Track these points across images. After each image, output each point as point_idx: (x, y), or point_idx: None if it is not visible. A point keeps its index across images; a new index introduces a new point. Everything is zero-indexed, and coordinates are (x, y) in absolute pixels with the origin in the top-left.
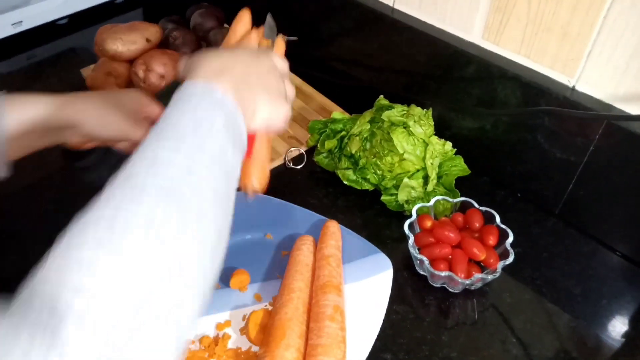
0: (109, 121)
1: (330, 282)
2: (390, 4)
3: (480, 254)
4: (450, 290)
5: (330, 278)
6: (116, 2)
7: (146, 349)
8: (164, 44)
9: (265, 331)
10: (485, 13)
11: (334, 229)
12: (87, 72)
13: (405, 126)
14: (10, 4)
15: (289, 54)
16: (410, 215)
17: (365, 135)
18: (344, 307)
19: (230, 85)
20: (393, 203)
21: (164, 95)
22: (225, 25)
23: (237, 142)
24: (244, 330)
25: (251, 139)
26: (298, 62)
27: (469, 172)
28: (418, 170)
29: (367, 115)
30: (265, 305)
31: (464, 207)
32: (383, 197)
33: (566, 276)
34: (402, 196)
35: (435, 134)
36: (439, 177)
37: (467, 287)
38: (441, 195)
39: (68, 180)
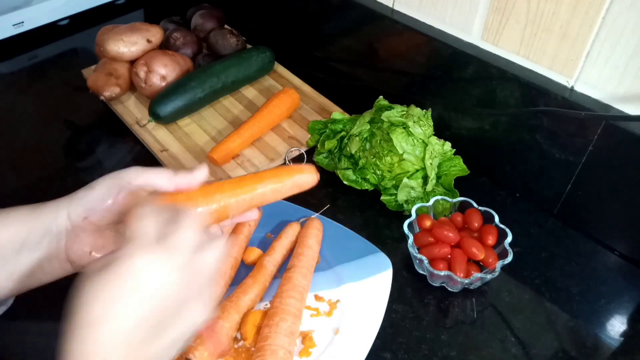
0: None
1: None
2: (390, 5)
3: (479, 254)
4: (449, 289)
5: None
6: (117, 3)
7: None
8: (165, 45)
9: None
10: (485, 14)
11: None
12: (88, 72)
13: (405, 126)
14: (12, 4)
15: (289, 55)
16: (410, 215)
17: (365, 136)
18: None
19: None
20: (393, 203)
21: None
22: (226, 26)
23: None
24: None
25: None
26: (298, 62)
27: (468, 172)
28: (417, 171)
29: (367, 115)
30: (266, 304)
31: (463, 207)
32: (383, 197)
33: (565, 276)
34: (401, 196)
35: (434, 134)
36: (438, 177)
37: (466, 286)
38: (440, 195)
39: (68, 180)
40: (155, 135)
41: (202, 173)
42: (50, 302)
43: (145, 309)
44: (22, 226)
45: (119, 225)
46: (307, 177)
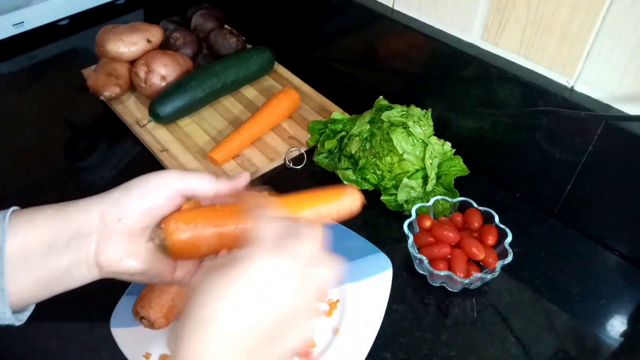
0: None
1: None
2: (390, 5)
3: (479, 254)
4: (449, 289)
5: None
6: (117, 2)
7: None
8: (165, 45)
9: None
10: (485, 14)
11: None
12: (88, 72)
13: (405, 126)
14: (12, 4)
15: (289, 55)
16: (410, 215)
17: (365, 136)
18: None
19: None
20: (393, 203)
21: None
22: (226, 26)
23: None
24: None
25: None
26: (298, 62)
27: (468, 172)
28: (417, 171)
29: (367, 115)
30: None
31: (463, 207)
32: (383, 197)
33: (565, 276)
34: (401, 196)
35: (434, 134)
36: (438, 177)
37: (466, 286)
38: (440, 195)
39: (68, 180)
40: (155, 135)
41: (244, 179)
42: (49, 303)
43: (262, 314)
44: (49, 227)
45: (151, 231)
46: (355, 202)
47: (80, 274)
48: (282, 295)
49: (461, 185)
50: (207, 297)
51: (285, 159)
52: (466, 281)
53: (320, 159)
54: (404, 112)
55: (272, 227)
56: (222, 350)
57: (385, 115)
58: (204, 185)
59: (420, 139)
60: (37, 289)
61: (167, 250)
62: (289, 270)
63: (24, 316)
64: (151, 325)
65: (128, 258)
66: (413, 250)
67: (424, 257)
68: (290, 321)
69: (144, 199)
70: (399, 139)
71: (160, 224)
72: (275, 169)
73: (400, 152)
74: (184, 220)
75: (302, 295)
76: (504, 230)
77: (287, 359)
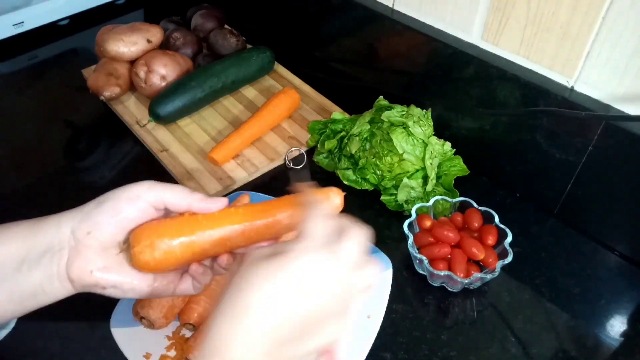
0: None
1: None
2: (390, 5)
3: (479, 254)
4: (449, 289)
5: None
6: (117, 2)
7: None
8: (165, 45)
9: None
10: (485, 14)
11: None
12: (88, 72)
13: (405, 126)
14: (12, 4)
15: (289, 55)
16: (410, 215)
17: (365, 136)
18: None
19: None
20: (393, 203)
21: None
22: (226, 26)
23: None
24: None
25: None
26: (298, 62)
27: (468, 172)
28: (417, 171)
29: (367, 115)
30: None
31: (463, 207)
32: (383, 197)
33: (565, 276)
34: (401, 196)
35: (434, 134)
36: (438, 177)
37: (466, 286)
38: (440, 195)
39: (68, 180)
40: (155, 135)
41: (221, 203)
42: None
43: (299, 309)
44: (22, 242)
45: (123, 245)
46: (335, 201)
47: (53, 289)
48: (320, 293)
49: (461, 185)
50: (246, 285)
51: (285, 159)
52: (466, 281)
53: (320, 159)
54: (404, 112)
55: (324, 225)
56: (250, 341)
57: (385, 115)
58: (175, 198)
59: (420, 139)
60: (12, 305)
61: (138, 263)
62: (333, 270)
63: (1, 334)
64: (151, 325)
65: (98, 271)
66: (413, 250)
67: (424, 257)
68: (322, 320)
69: (114, 212)
70: (399, 139)
71: (129, 237)
72: (275, 169)
73: (400, 152)
74: (150, 233)
75: (339, 296)
76: (504, 230)
77: (310, 358)
